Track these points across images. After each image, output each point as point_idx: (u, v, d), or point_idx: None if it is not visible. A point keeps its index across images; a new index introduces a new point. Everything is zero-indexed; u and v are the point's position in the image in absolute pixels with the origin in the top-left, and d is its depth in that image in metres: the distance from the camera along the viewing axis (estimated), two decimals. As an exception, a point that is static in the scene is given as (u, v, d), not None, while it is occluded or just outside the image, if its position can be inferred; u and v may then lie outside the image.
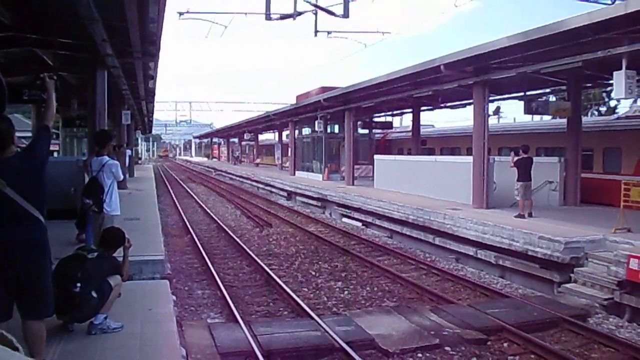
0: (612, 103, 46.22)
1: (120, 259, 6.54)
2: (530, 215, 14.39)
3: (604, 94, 44.62)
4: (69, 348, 5.69)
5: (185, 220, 20.46)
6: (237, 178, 45.47)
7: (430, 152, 29.17)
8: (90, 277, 5.92)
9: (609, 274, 9.97)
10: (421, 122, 29.10)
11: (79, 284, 5.81)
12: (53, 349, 5.52)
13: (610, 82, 13.95)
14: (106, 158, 8.96)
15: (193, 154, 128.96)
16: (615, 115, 26.75)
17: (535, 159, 18.97)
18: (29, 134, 25.35)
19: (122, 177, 9.57)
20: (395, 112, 33.31)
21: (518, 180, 14.85)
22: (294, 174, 35.48)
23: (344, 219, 21.59)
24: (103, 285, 6.05)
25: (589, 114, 44.08)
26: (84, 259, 6.06)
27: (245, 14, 21.67)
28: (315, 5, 19.20)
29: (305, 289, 11.35)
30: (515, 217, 14.11)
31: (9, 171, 4.38)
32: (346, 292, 11.15)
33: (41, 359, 4.76)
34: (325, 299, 10.69)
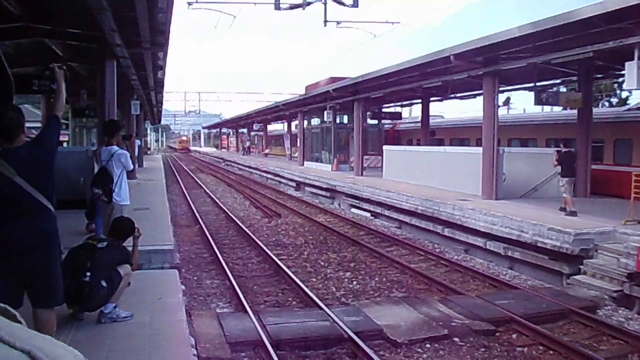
0: (624, 94, 45.87)
1: (130, 248, 6.57)
2: (565, 209, 13.63)
3: (615, 85, 44.23)
4: (79, 337, 5.73)
5: (194, 210, 20.50)
6: (246, 168, 45.50)
7: (440, 142, 29.06)
8: (99, 266, 5.96)
9: (619, 266, 9.92)
10: (430, 113, 28.99)
11: (88, 274, 5.84)
12: (63, 337, 5.55)
13: (622, 72, 13.86)
14: (115, 148, 8.96)
15: (202, 144, 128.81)
16: (627, 107, 26.56)
17: (545, 150, 18.92)
18: (39, 124, 25.49)
19: (131, 167, 9.57)
20: (404, 103, 33.20)
21: (563, 176, 14.17)
22: (303, 165, 35.47)
23: (353, 210, 21.58)
24: (113, 275, 6.09)
25: (600, 105, 43.74)
26: (94, 249, 6.09)
27: (255, 4, 21.67)
28: (325, -5, 19.17)
29: (314, 279, 11.37)
30: (566, 215, 13.24)
31: (18, 161, 4.39)
32: (355, 283, 11.16)
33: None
34: (334, 289, 10.70)
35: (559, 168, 14.41)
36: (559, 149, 14.62)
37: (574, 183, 14.51)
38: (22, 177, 4.37)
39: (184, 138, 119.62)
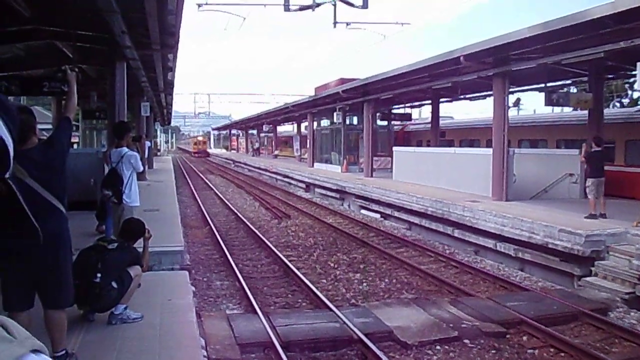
0: (635, 95, 45.60)
1: (140, 249, 6.59)
2: (603, 215, 12.90)
3: (627, 85, 43.97)
4: (90, 338, 5.75)
5: (204, 211, 20.55)
6: (256, 170, 45.56)
7: (450, 144, 28.99)
8: (110, 267, 5.97)
9: (631, 267, 9.85)
10: (440, 114, 28.92)
11: (99, 275, 5.86)
12: (74, 338, 5.58)
13: (633, 73, 13.73)
14: (125, 149, 9.00)
15: (212, 145, 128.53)
16: (638, 107, 26.39)
17: (555, 151, 18.82)
18: (49, 126, 25.65)
19: (141, 168, 9.61)
20: (414, 104, 33.14)
21: (589, 177, 13.48)
22: (313, 166, 35.44)
23: (363, 211, 21.55)
24: (123, 276, 6.10)
25: (611, 105, 43.51)
26: (104, 250, 6.11)
27: (264, 5, 21.69)
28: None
29: (324, 281, 11.36)
30: (586, 217, 12.86)
31: (30, 162, 4.40)
32: (365, 284, 11.14)
33: (62, 348, 4.82)
34: (344, 290, 10.69)
35: (581, 168, 13.83)
36: (591, 150, 13.62)
37: (602, 184, 13.34)
38: (34, 178, 4.39)
39: (200, 138, 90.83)
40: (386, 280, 11.46)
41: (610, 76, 20.51)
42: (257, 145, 65.39)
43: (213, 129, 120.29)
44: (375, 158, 27.97)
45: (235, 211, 20.86)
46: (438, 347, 7.49)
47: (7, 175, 0.85)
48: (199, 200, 24.18)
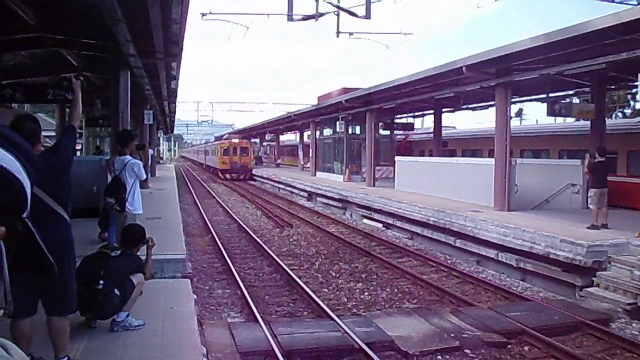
0: (637, 105, 45.59)
1: (144, 257, 6.61)
2: (605, 226, 12.84)
3: (629, 96, 43.98)
4: (92, 345, 5.76)
5: (206, 219, 20.57)
6: (258, 178, 45.60)
7: (452, 153, 29.02)
8: (113, 275, 5.99)
9: (633, 278, 9.84)
10: (442, 124, 28.95)
11: (102, 282, 5.88)
12: (76, 345, 5.59)
13: (635, 83, 13.77)
14: (128, 157, 9.04)
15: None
16: (640, 118, 26.38)
17: (558, 161, 18.80)
18: (53, 134, 25.74)
19: (144, 176, 9.65)
20: (416, 114, 33.21)
21: (592, 187, 13.42)
22: (315, 175, 35.47)
23: (365, 220, 21.55)
24: (126, 283, 6.12)
25: (613, 116, 43.50)
26: (107, 257, 6.13)
27: (268, 15, 21.78)
28: (337, 6, 19.28)
29: (326, 290, 11.36)
30: (588, 228, 12.80)
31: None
32: (366, 294, 11.13)
33: (65, 355, 4.83)
34: (346, 299, 10.68)
35: (583, 179, 13.75)
36: (595, 158, 13.58)
37: (605, 195, 13.30)
38: (38, 186, 4.41)
39: (236, 140, 50.80)
40: (388, 289, 11.45)
41: (612, 87, 20.53)
42: (259, 154, 65.46)
43: (216, 137, 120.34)
44: (377, 167, 27.98)
45: (238, 220, 20.88)
46: (439, 357, 7.49)
47: (24, 215, 0.87)
48: (201, 209, 24.20)
